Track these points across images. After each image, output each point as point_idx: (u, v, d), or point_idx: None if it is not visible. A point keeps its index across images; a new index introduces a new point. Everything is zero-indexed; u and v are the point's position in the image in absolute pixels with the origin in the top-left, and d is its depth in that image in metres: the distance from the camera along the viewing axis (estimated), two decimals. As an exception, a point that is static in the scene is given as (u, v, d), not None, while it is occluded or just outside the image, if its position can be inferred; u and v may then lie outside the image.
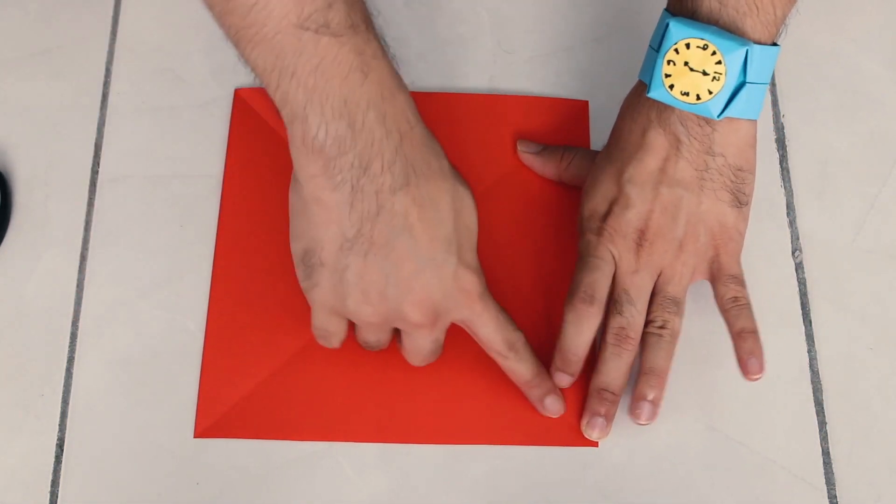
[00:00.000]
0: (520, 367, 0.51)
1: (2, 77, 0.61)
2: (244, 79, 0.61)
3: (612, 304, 0.52)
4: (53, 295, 0.56)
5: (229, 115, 0.60)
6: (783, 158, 0.61)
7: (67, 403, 0.53)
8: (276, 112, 0.60)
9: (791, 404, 0.54)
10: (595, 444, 0.53)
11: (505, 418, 0.53)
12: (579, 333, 0.52)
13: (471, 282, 0.48)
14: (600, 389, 0.52)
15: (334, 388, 0.53)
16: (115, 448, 0.52)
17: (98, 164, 0.59)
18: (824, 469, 0.53)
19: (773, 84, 0.63)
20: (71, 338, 0.55)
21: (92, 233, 0.57)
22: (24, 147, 0.59)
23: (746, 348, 0.51)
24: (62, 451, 0.52)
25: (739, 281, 0.53)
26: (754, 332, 0.52)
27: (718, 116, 0.49)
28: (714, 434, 0.53)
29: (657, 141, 0.51)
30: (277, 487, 0.52)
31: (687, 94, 0.49)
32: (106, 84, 0.61)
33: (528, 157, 0.59)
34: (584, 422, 0.52)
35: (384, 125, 0.43)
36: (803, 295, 0.57)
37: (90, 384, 0.54)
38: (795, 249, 0.58)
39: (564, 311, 0.52)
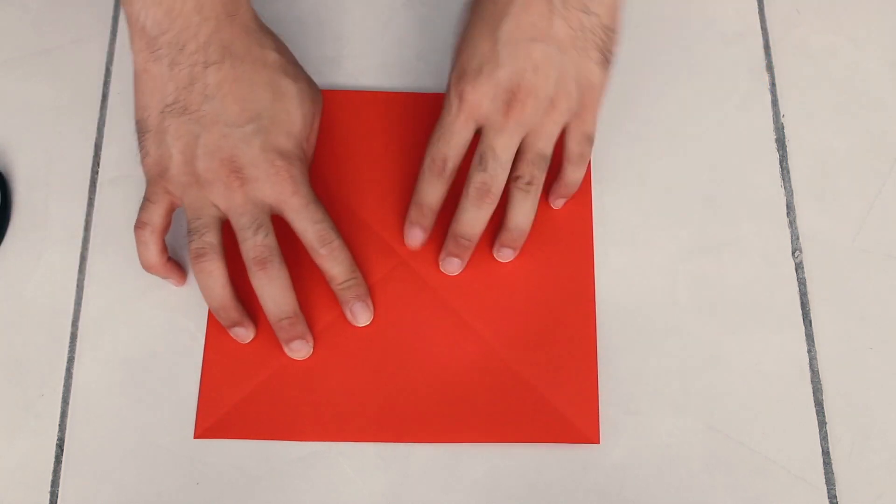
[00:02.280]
0: (332, 266, 0.53)
1: (2, 77, 0.61)
2: (244, 79, 0.61)
3: (477, 158, 0.53)
4: (53, 295, 0.56)
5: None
6: (783, 158, 0.61)
7: (67, 403, 0.53)
8: None
9: (791, 404, 0.54)
10: (596, 440, 0.53)
11: (505, 416, 0.53)
12: (431, 192, 0.54)
13: (280, 160, 0.51)
14: (457, 236, 0.54)
15: (334, 389, 0.54)
16: (115, 448, 0.52)
17: (98, 164, 0.59)
18: (824, 469, 0.53)
19: (772, 84, 0.63)
20: (71, 338, 0.55)
21: (92, 233, 0.57)
22: (24, 147, 0.59)
23: (566, 193, 0.57)
24: (62, 451, 0.52)
25: (591, 141, 0.55)
26: (579, 185, 0.57)
27: None
28: (714, 434, 0.53)
29: None
30: (277, 487, 0.52)
31: None
32: (106, 84, 0.61)
33: None
34: (440, 258, 0.56)
35: (201, 13, 0.50)
36: (803, 295, 0.57)
37: (90, 384, 0.54)
38: (795, 249, 0.58)
39: (419, 174, 0.54)
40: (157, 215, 0.52)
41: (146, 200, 0.53)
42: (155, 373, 0.54)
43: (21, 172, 0.59)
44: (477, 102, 0.52)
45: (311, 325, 0.54)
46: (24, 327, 0.55)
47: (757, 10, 0.65)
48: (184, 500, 0.51)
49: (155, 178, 0.52)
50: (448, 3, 0.65)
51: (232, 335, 0.54)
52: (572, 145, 0.55)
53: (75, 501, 0.51)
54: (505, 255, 0.56)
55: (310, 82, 0.55)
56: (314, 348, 0.54)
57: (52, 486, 0.52)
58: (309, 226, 0.52)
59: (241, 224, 0.51)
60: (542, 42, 0.51)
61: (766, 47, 0.64)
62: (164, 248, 0.54)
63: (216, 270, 0.52)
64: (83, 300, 0.56)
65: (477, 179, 0.53)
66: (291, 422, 0.53)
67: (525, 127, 0.52)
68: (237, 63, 0.51)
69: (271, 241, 0.52)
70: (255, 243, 0.51)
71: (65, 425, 0.53)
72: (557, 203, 0.58)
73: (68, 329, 0.55)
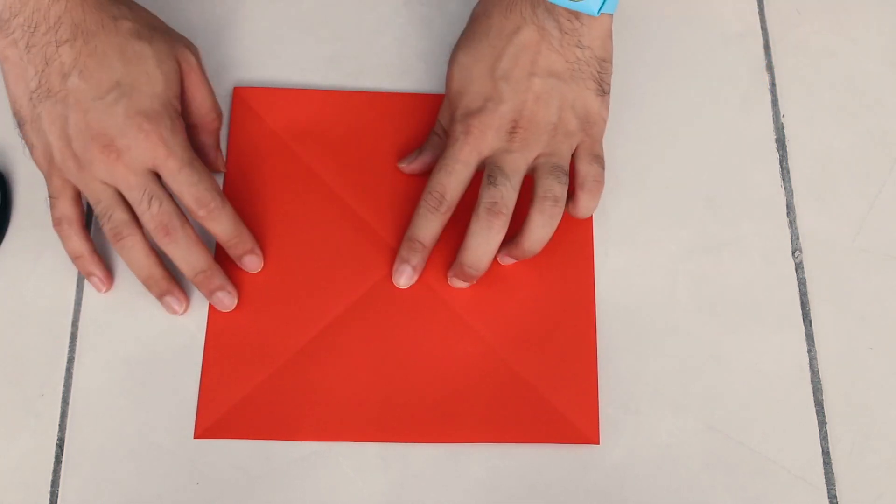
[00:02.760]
0: (214, 226, 0.53)
1: (2, 76, 0.61)
2: (243, 77, 0.61)
3: (486, 178, 0.53)
4: (53, 295, 0.56)
5: (228, 115, 0.60)
6: (783, 158, 0.61)
7: (67, 403, 0.53)
8: (276, 110, 0.61)
9: (791, 404, 0.54)
10: (596, 441, 0.53)
11: (505, 416, 0.53)
12: (426, 227, 0.54)
13: (147, 123, 0.51)
14: (464, 265, 0.53)
15: (334, 389, 0.53)
16: (115, 448, 0.52)
17: (98, 164, 0.59)
18: (824, 469, 0.53)
19: (772, 84, 0.63)
20: (71, 338, 0.55)
21: (92, 233, 0.57)
22: (24, 147, 0.59)
23: (581, 218, 0.56)
24: (62, 451, 0.52)
25: (601, 161, 0.55)
26: (593, 211, 0.56)
27: (598, 12, 0.52)
28: (714, 434, 0.53)
29: (530, 37, 0.53)
30: (277, 487, 0.52)
31: None
32: (106, 84, 0.61)
33: (418, 162, 0.58)
34: (449, 278, 0.55)
35: None
36: (803, 295, 0.57)
37: (90, 384, 0.54)
38: (795, 249, 0.58)
39: (417, 207, 0.54)
40: (67, 208, 0.54)
41: (51, 197, 0.54)
42: (155, 373, 0.54)
43: (21, 172, 0.59)
44: (482, 134, 0.53)
45: (311, 326, 0.55)
46: (24, 327, 0.55)
47: (757, 10, 0.65)
48: (184, 500, 0.51)
49: (49, 171, 0.53)
50: (448, 3, 0.65)
51: (164, 306, 0.54)
52: (582, 167, 0.54)
53: (75, 501, 0.51)
54: (506, 262, 0.56)
55: (170, 41, 0.54)
56: (315, 348, 0.54)
57: (52, 486, 0.52)
58: (185, 188, 0.52)
59: (133, 198, 0.52)
60: (541, 76, 0.53)
61: (766, 47, 0.64)
62: (88, 237, 0.55)
63: (137, 243, 0.52)
64: (83, 300, 0.56)
65: (486, 197, 0.52)
66: (291, 422, 0.53)
67: (532, 150, 0.53)
68: (89, 38, 0.51)
69: (166, 206, 0.52)
70: (152, 215, 0.52)
71: (65, 425, 0.53)
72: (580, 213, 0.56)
73: (68, 329, 0.55)
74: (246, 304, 0.55)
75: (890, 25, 0.65)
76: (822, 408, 0.54)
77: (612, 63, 0.55)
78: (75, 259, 0.54)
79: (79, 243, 0.54)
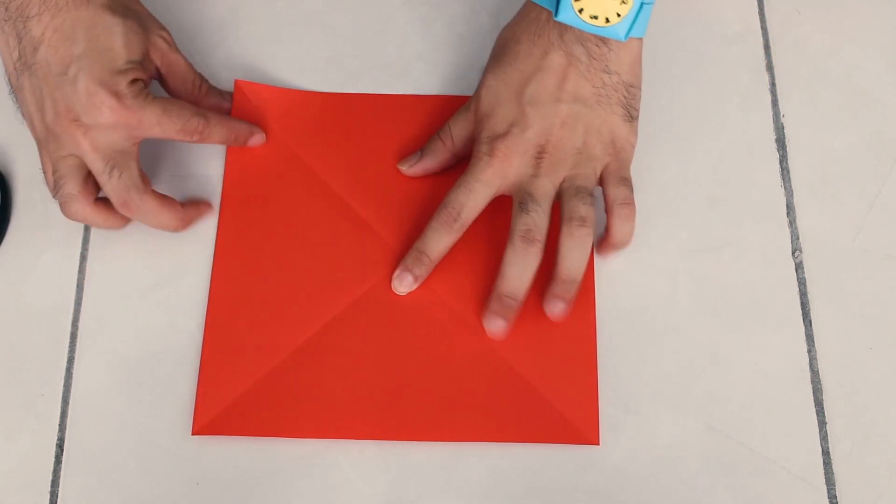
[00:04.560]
0: (213, 140, 0.55)
1: (2, 77, 0.61)
2: (243, 77, 0.61)
3: (517, 206, 0.53)
4: (53, 295, 0.56)
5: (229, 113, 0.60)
6: (783, 158, 0.61)
7: (67, 403, 0.53)
8: (275, 109, 0.61)
9: (791, 404, 0.54)
10: (595, 441, 0.53)
11: (505, 416, 0.53)
12: (437, 241, 0.54)
13: (108, 99, 0.51)
14: (503, 295, 0.53)
15: (333, 386, 0.53)
16: (114, 448, 0.52)
17: (98, 164, 0.59)
18: (824, 469, 0.53)
19: (772, 84, 0.63)
20: (71, 338, 0.55)
21: (92, 233, 0.57)
22: (24, 147, 0.59)
23: (619, 247, 0.56)
24: (62, 451, 0.52)
25: (628, 183, 0.55)
26: (625, 246, 0.56)
27: (625, 38, 0.52)
28: (714, 434, 0.53)
29: (557, 61, 0.54)
30: (277, 487, 0.52)
31: (596, 17, 0.51)
32: (106, 84, 0.61)
33: (419, 166, 0.58)
34: (484, 321, 0.54)
35: None
36: (803, 295, 0.57)
37: (90, 384, 0.54)
38: (795, 249, 0.58)
39: (430, 220, 0.55)
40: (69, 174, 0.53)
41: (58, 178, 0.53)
42: (155, 373, 0.54)
43: (21, 172, 0.59)
44: (507, 158, 0.54)
45: (310, 325, 0.55)
46: (24, 327, 0.55)
47: (757, 10, 0.65)
48: (184, 501, 0.51)
49: (42, 143, 0.53)
50: (448, 3, 0.65)
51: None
52: (610, 190, 0.55)
53: (75, 501, 0.51)
54: (557, 307, 0.53)
55: (140, 18, 0.55)
56: (314, 346, 0.54)
57: (52, 486, 0.52)
58: (172, 133, 0.53)
59: (96, 169, 0.52)
60: (567, 102, 0.54)
61: (766, 47, 0.64)
62: (92, 192, 0.54)
63: (80, 210, 0.53)
64: (83, 300, 0.56)
65: (520, 224, 0.53)
66: (290, 419, 0.53)
67: (558, 174, 0.54)
68: (57, 12, 0.51)
69: (126, 177, 0.52)
70: (113, 186, 0.52)
71: (65, 425, 0.53)
72: (610, 249, 0.56)
73: (68, 329, 0.55)
74: (245, 302, 0.55)
75: (890, 25, 0.65)
76: (822, 408, 0.54)
77: (640, 88, 0.56)
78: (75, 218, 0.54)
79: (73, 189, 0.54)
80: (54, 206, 0.57)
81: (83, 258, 0.57)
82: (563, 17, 0.52)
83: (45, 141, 0.53)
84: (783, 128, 0.61)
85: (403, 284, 0.55)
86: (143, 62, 0.54)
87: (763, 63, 0.63)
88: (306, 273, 0.56)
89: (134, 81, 0.52)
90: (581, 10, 0.51)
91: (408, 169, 0.58)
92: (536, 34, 0.54)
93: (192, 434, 0.52)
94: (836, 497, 0.52)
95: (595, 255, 0.56)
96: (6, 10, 0.51)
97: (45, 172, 0.54)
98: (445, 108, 0.61)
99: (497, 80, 0.55)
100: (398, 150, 0.59)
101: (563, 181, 0.54)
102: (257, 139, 0.58)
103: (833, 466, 0.53)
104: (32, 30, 0.51)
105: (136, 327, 0.55)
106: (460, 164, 0.57)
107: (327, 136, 0.59)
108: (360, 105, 0.61)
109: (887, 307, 0.57)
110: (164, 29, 0.56)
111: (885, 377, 0.55)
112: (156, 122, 0.52)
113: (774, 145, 0.61)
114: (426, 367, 0.54)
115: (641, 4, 0.51)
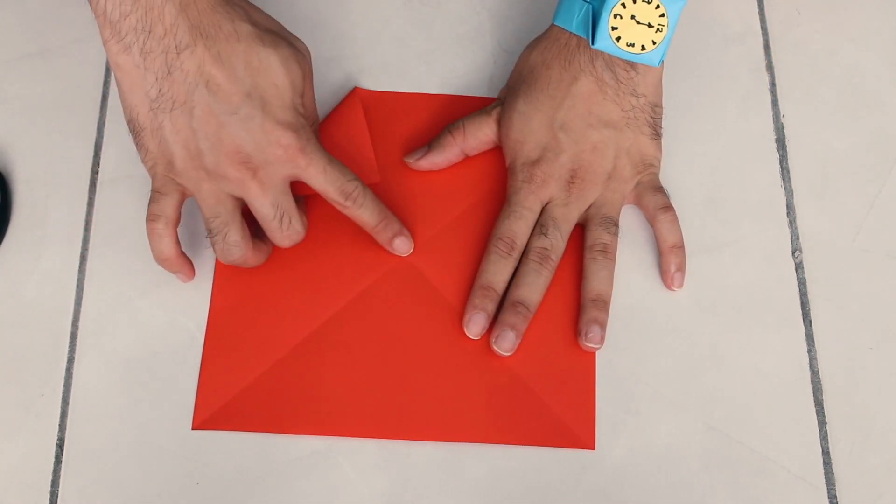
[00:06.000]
0: (361, 213, 0.53)
1: (2, 77, 0.61)
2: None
3: (538, 227, 0.56)
4: (53, 295, 0.56)
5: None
6: (783, 158, 0.61)
7: (67, 403, 0.53)
8: None
9: (791, 404, 0.54)
10: (591, 446, 0.53)
11: (503, 418, 0.53)
12: (497, 272, 0.55)
13: (285, 137, 0.50)
14: (516, 302, 0.54)
15: (333, 383, 0.54)
16: (114, 448, 0.52)
17: (98, 164, 0.59)
18: (824, 469, 0.53)
19: (772, 84, 0.63)
20: (71, 338, 0.55)
21: (92, 233, 0.57)
22: (24, 147, 0.59)
23: (676, 262, 0.56)
24: (62, 451, 0.52)
25: (663, 191, 0.57)
26: (682, 247, 0.57)
27: (658, 63, 0.53)
28: (714, 434, 0.53)
29: (587, 87, 0.55)
30: (277, 487, 0.52)
31: (633, 45, 0.52)
32: (106, 84, 0.61)
33: (426, 159, 0.58)
34: (493, 335, 0.54)
35: None
36: (803, 295, 0.57)
37: (90, 384, 0.54)
38: (795, 249, 0.58)
39: (486, 251, 0.56)
40: (169, 207, 0.51)
41: (156, 192, 0.51)
42: (155, 373, 0.54)
43: (21, 172, 0.59)
44: (544, 183, 0.56)
45: (311, 322, 0.55)
46: (24, 327, 0.55)
47: (757, 10, 0.65)
48: (184, 500, 0.51)
49: (161, 173, 0.51)
50: (448, 3, 0.65)
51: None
52: (647, 199, 0.57)
53: (75, 501, 0.51)
54: (594, 333, 0.54)
55: (290, 45, 0.52)
56: (314, 345, 0.54)
57: (52, 486, 0.52)
58: (329, 187, 0.52)
59: (264, 216, 0.51)
60: (598, 128, 0.55)
61: (766, 47, 0.64)
62: (178, 241, 0.53)
63: (242, 256, 0.52)
64: (83, 300, 0.56)
65: (537, 245, 0.55)
66: (290, 415, 0.53)
67: (586, 200, 0.56)
68: (210, 43, 0.48)
69: (296, 224, 0.52)
70: (284, 235, 0.52)
71: (65, 425, 0.53)
72: (677, 279, 0.56)
73: (68, 329, 0.55)
74: (247, 298, 0.55)
75: (890, 25, 0.65)
76: (822, 408, 0.54)
77: (662, 107, 0.57)
78: (162, 261, 0.53)
79: (169, 245, 0.52)
80: (54, 206, 0.58)
81: (83, 258, 0.57)
82: (601, 44, 0.52)
83: (189, 180, 0.50)
84: (783, 128, 0.61)
85: (479, 325, 0.54)
86: (301, 93, 0.52)
87: (763, 63, 0.63)
88: (308, 269, 0.56)
89: (298, 117, 0.51)
90: (618, 39, 0.52)
91: (414, 162, 0.58)
92: (567, 60, 0.55)
93: (193, 429, 0.52)
94: (836, 497, 0.52)
95: (668, 288, 0.57)
96: (149, 36, 0.47)
97: (156, 193, 0.51)
98: (445, 108, 0.61)
99: (529, 106, 0.56)
100: (398, 149, 0.59)
101: (590, 207, 0.56)
102: (402, 243, 0.55)
103: (833, 466, 0.53)
104: (185, 63, 0.48)
105: (136, 327, 0.55)
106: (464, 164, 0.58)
107: (327, 137, 0.59)
108: (363, 102, 0.61)
109: (887, 307, 0.57)
110: (305, 49, 0.54)
111: (885, 377, 0.55)
112: (322, 169, 0.51)
113: (774, 145, 0.61)
114: (426, 367, 0.54)
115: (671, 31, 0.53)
